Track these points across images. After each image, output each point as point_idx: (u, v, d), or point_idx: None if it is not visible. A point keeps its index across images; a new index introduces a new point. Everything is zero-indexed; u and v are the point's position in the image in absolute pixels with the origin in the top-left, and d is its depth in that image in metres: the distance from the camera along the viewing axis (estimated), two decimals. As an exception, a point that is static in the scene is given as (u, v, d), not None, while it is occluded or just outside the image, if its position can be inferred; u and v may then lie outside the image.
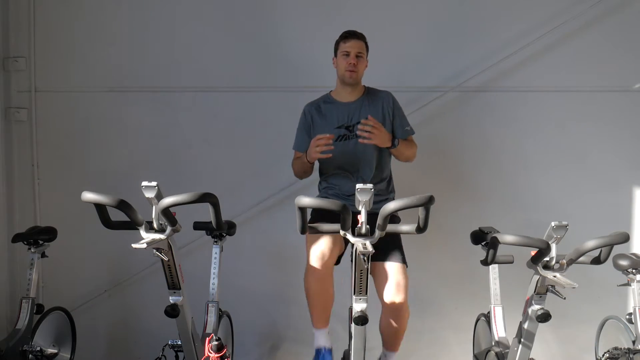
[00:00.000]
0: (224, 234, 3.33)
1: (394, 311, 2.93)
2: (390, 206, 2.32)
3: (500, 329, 3.16)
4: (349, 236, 2.38)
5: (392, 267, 2.95)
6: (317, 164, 3.26)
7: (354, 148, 3.15)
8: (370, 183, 2.46)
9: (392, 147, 3.11)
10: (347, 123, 3.18)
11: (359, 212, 2.37)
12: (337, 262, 3.05)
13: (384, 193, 3.20)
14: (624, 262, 3.06)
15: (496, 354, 2.97)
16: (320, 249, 2.89)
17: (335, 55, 3.21)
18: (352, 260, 2.52)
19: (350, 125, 3.17)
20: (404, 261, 3.01)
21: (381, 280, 2.95)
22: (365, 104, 3.20)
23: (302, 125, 3.30)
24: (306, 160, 3.14)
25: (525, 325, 2.64)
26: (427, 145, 3.56)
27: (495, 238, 2.58)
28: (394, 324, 2.96)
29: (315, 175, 3.33)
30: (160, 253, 2.52)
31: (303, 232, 2.43)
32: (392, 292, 2.90)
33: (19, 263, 3.95)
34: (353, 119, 3.17)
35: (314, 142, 3.03)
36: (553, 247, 2.48)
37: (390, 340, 3.06)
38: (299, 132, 3.32)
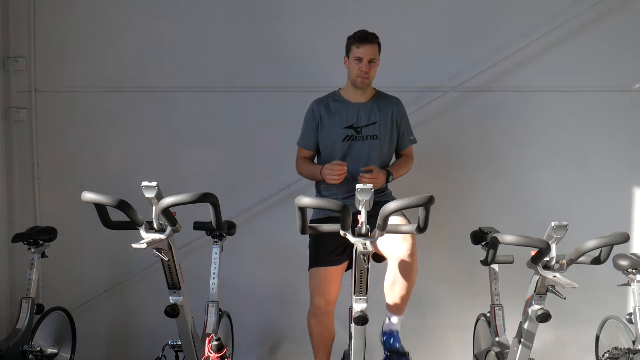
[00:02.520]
0: (224, 234, 3.33)
1: (401, 262, 2.84)
2: (391, 206, 2.32)
3: (500, 329, 3.16)
4: (349, 236, 2.38)
5: (397, 220, 2.89)
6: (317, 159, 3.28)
7: (360, 149, 3.14)
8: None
9: (387, 180, 3.14)
10: (355, 124, 3.15)
11: (359, 212, 2.37)
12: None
13: (380, 190, 3.19)
14: (624, 262, 3.06)
15: (496, 354, 2.97)
16: (323, 296, 2.99)
17: (347, 55, 3.15)
18: (352, 260, 2.52)
19: (359, 126, 3.15)
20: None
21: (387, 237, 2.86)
22: (376, 108, 3.18)
23: (309, 121, 3.24)
24: (320, 177, 3.10)
25: (525, 325, 2.64)
26: (427, 145, 3.57)
27: (495, 238, 2.58)
28: (401, 277, 2.85)
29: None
30: (160, 253, 2.52)
31: (303, 232, 2.43)
32: (399, 242, 2.85)
33: (19, 263, 3.95)
34: (362, 121, 3.15)
35: (331, 168, 3.00)
36: (553, 247, 2.48)
37: (396, 298, 2.91)
38: (305, 129, 3.26)
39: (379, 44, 3.14)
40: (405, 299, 2.92)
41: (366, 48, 3.07)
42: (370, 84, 3.19)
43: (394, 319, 2.99)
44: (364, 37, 3.09)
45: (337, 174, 2.99)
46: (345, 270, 3.08)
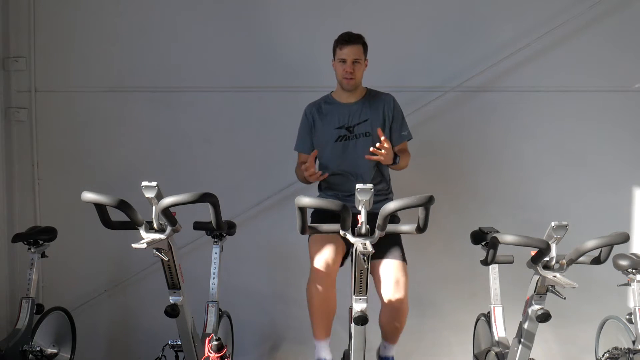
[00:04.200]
0: (224, 234, 3.33)
1: (393, 309, 2.92)
2: (390, 206, 2.33)
3: (500, 329, 3.16)
4: (349, 236, 2.38)
5: (392, 265, 2.94)
6: (316, 163, 3.27)
7: (354, 148, 3.15)
8: (369, 183, 2.46)
9: (393, 164, 3.12)
10: (347, 124, 3.18)
11: (359, 212, 2.37)
12: (341, 264, 3.06)
13: (383, 193, 3.20)
14: (624, 262, 3.06)
15: (496, 354, 2.97)
16: (324, 257, 2.91)
17: (334, 58, 3.19)
18: (352, 260, 2.52)
19: (351, 126, 3.17)
20: (403, 259, 3.00)
21: (380, 277, 2.94)
22: (367, 106, 3.20)
23: (303, 126, 3.30)
24: (304, 179, 3.16)
25: (525, 325, 2.64)
26: (427, 145, 3.57)
27: (495, 238, 2.58)
28: (393, 320, 2.97)
29: (316, 175, 3.33)
30: (160, 253, 2.52)
31: (303, 232, 2.43)
32: (392, 290, 2.90)
33: (19, 263, 3.95)
34: (353, 120, 3.18)
35: (305, 171, 3.04)
36: (553, 247, 2.48)
37: (390, 334, 3.07)
38: (300, 133, 3.32)
39: (364, 45, 3.16)
40: (398, 333, 3.05)
41: (349, 49, 3.10)
42: (357, 85, 3.20)
43: (389, 347, 3.11)
44: (346, 39, 3.12)
45: (308, 175, 3.03)
46: (342, 264, 3.07)
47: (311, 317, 3.00)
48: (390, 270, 2.93)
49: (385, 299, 2.92)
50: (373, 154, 2.97)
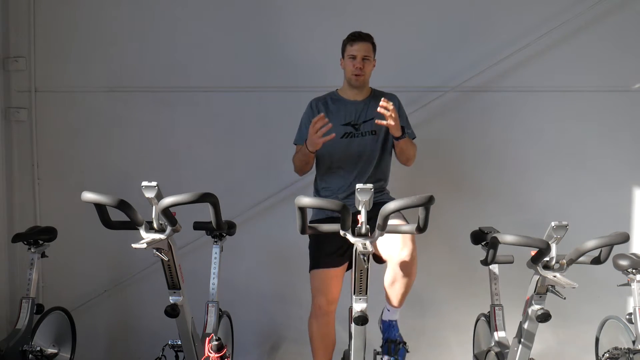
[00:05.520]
0: (224, 234, 3.33)
1: (402, 266, 2.86)
2: (390, 206, 2.33)
3: (500, 329, 3.16)
4: (349, 236, 2.38)
5: (395, 221, 2.86)
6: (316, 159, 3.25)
7: (359, 145, 3.15)
8: (369, 181, 2.46)
9: (402, 136, 3.07)
10: (353, 121, 3.18)
11: (359, 212, 2.37)
12: None
13: (379, 190, 3.19)
14: (624, 262, 3.06)
15: (496, 354, 2.97)
16: (323, 293, 2.99)
17: (343, 56, 3.20)
18: (352, 260, 2.52)
19: (357, 123, 3.17)
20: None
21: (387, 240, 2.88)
22: (372, 104, 3.19)
23: (307, 118, 3.21)
24: (307, 150, 3.07)
25: (525, 325, 2.64)
26: (427, 145, 3.57)
27: (495, 238, 2.58)
28: (400, 278, 2.88)
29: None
30: (160, 253, 2.52)
31: (303, 232, 2.43)
32: (399, 245, 2.86)
33: (19, 263, 3.95)
34: (360, 118, 3.18)
35: (312, 128, 2.97)
36: (553, 247, 2.48)
37: (396, 296, 2.94)
38: (303, 126, 3.25)
39: (373, 44, 3.19)
40: (405, 295, 2.95)
41: (359, 45, 3.13)
42: (366, 82, 3.21)
43: (393, 310, 3.02)
44: (356, 35, 3.16)
45: (317, 129, 2.94)
46: (346, 270, 3.08)
47: (312, 350, 3.11)
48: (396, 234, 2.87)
49: (393, 258, 2.87)
50: (382, 119, 2.96)
